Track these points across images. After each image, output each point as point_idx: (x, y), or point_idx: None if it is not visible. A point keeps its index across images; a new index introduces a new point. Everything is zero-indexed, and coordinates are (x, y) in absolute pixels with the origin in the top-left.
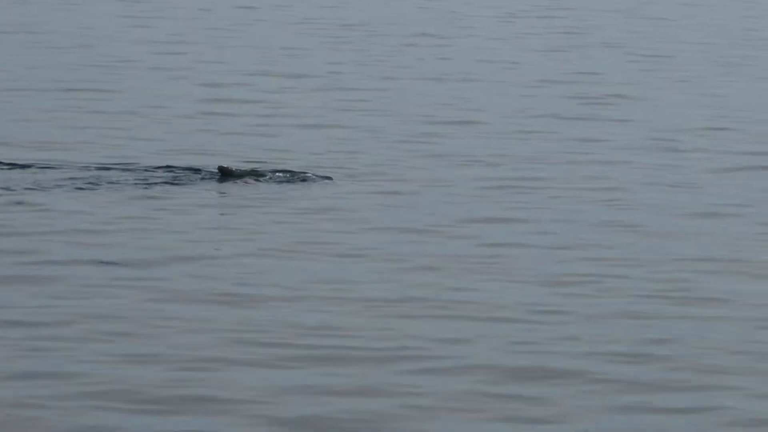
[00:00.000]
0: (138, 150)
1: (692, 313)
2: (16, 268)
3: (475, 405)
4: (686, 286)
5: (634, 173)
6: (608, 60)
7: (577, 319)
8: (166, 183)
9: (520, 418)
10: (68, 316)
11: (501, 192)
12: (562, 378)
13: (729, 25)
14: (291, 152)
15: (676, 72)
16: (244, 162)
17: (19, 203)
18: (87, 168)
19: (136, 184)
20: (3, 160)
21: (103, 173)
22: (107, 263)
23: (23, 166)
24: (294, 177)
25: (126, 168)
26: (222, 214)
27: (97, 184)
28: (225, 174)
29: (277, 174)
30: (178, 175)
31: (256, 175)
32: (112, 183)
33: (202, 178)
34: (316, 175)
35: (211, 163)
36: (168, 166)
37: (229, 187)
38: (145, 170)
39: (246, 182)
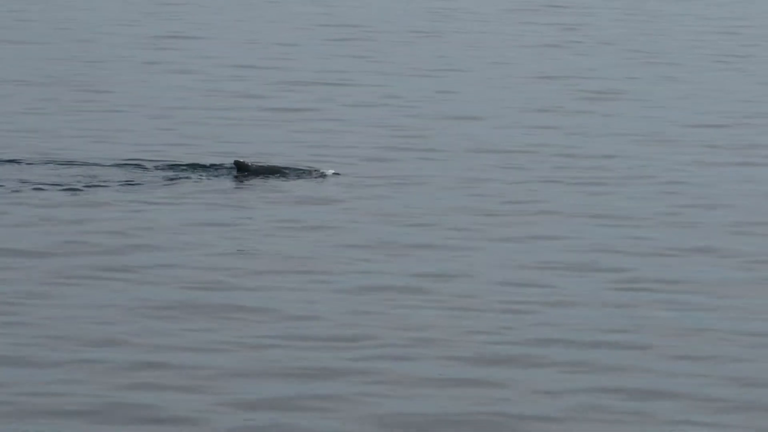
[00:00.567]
0: (159, 145)
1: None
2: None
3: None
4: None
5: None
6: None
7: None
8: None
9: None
10: None
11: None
12: (518, 363)
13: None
14: (294, 147)
15: (668, 67)
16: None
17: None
18: (131, 163)
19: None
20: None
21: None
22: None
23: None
24: (305, 173)
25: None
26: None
27: (131, 181)
28: (241, 169)
29: (289, 169)
30: (196, 171)
31: (271, 170)
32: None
33: (217, 175)
34: (325, 171)
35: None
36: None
37: (245, 181)
38: (165, 166)
39: (262, 177)
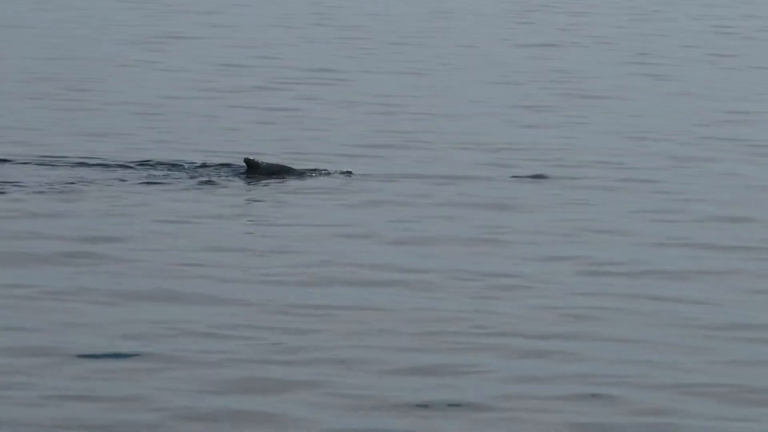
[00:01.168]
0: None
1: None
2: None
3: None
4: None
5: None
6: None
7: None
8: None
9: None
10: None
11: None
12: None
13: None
14: (303, 145)
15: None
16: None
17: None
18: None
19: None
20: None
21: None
22: None
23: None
24: (315, 172)
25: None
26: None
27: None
28: (251, 167)
29: (302, 169)
30: (206, 170)
31: (282, 169)
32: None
33: (228, 174)
34: (340, 170)
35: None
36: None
37: (256, 179)
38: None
39: (273, 175)
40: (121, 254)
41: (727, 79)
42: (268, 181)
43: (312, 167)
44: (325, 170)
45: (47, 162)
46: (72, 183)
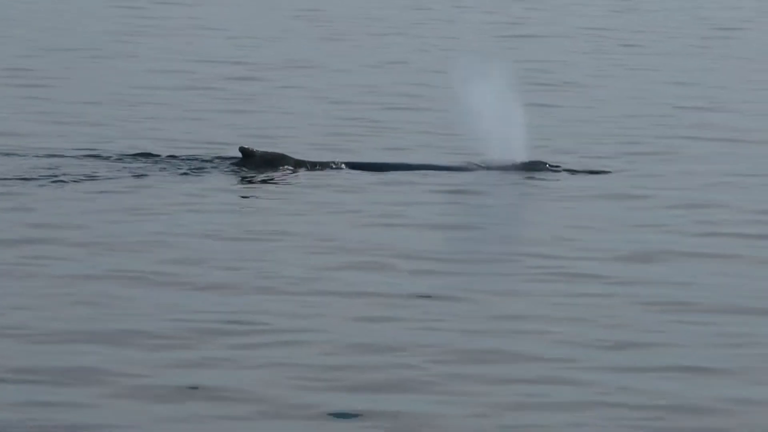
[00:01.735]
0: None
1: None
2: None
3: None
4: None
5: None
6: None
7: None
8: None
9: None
10: None
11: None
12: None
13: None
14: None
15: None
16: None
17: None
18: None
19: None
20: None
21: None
22: None
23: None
24: (314, 164)
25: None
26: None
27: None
28: (246, 155)
29: (298, 159)
30: (200, 159)
31: (277, 156)
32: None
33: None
34: (335, 162)
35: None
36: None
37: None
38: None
39: (269, 163)
40: (88, 242)
41: (705, 69)
42: (263, 169)
43: (315, 160)
44: (323, 162)
45: (16, 152)
46: (49, 176)
